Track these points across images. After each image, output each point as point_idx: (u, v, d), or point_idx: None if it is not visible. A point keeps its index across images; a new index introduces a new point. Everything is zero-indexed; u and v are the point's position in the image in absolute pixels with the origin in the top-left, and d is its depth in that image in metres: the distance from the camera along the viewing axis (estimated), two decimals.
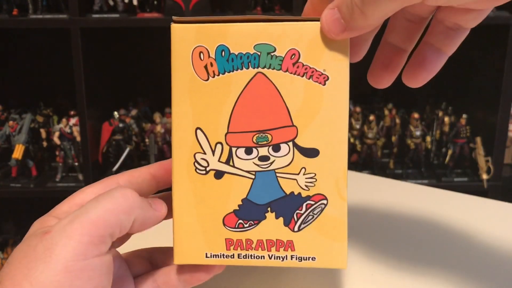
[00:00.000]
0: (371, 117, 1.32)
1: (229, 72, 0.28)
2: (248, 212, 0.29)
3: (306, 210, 0.29)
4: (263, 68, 0.28)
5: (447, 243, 0.44)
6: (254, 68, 0.28)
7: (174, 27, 0.28)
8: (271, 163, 0.29)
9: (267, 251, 0.30)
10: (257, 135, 0.28)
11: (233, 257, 0.30)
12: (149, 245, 0.34)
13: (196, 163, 0.29)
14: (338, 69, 0.28)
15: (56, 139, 1.33)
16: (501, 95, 1.21)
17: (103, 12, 1.26)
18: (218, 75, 0.28)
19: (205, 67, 0.28)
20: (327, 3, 0.28)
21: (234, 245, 0.30)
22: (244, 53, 0.28)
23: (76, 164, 1.34)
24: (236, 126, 0.28)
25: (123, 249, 0.33)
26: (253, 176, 0.29)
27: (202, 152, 0.29)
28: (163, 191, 0.34)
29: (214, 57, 0.28)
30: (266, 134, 0.28)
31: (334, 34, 0.27)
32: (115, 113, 1.34)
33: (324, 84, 0.28)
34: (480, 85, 1.32)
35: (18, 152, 1.30)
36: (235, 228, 0.29)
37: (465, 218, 0.49)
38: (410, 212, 0.50)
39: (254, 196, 0.29)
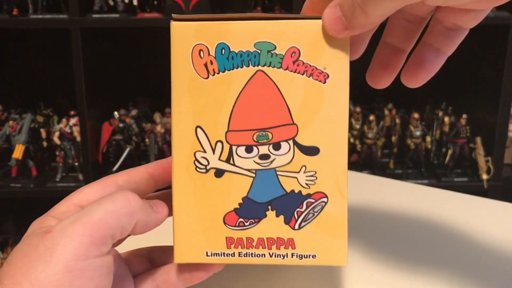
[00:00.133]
0: (371, 117, 1.32)
1: (229, 70, 0.28)
2: (249, 211, 0.29)
3: (307, 208, 0.29)
4: (263, 66, 0.28)
5: (447, 243, 0.44)
6: (254, 66, 0.28)
7: (174, 24, 0.28)
8: (272, 161, 0.29)
9: (268, 249, 0.30)
10: (257, 133, 0.28)
11: (234, 256, 0.30)
12: (149, 244, 0.34)
13: (196, 162, 0.29)
14: (339, 67, 0.28)
15: (56, 139, 1.33)
16: (501, 95, 1.20)
17: (103, 12, 1.27)
18: (218, 73, 0.28)
19: (205, 65, 0.28)
20: (326, 2, 0.28)
21: (234, 244, 0.29)
22: (244, 51, 0.28)
23: (76, 164, 1.34)
24: (236, 125, 0.28)
25: (123, 248, 0.33)
26: (253, 175, 0.29)
27: (202, 150, 0.29)
28: (162, 190, 0.34)
29: (214, 55, 0.28)
30: (266, 132, 0.28)
31: (336, 32, 0.27)
32: (115, 113, 1.34)
33: (325, 82, 0.28)
34: (480, 85, 1.32)
35: (18, 152, 1.30)
36: (235, 226, 0.29)
37: (465, 218, 0.49)
38: (410, 212, 0.50)
39: (254, 195, 0.29)
